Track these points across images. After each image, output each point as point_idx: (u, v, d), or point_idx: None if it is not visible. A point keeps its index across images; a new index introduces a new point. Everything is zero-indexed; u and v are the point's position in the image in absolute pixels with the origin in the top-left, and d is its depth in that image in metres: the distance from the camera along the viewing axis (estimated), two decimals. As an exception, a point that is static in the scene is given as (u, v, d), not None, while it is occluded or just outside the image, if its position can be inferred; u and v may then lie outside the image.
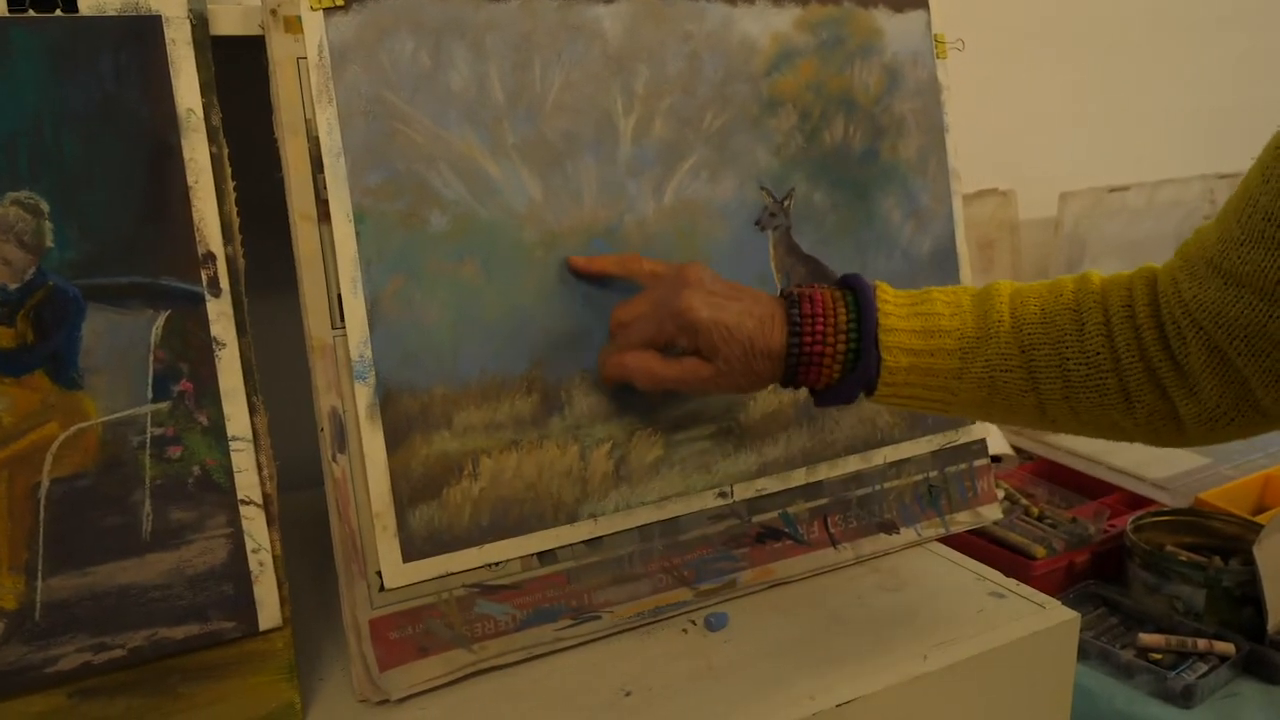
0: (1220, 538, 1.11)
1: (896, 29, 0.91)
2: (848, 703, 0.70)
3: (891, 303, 0.71)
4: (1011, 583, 0.85)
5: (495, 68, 0.74)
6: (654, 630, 0.79)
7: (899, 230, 0.91)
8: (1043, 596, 0.83)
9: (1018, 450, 1.35)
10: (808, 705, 0.69)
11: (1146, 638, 1.00)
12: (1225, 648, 0.98)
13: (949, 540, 0.94)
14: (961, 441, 0.95)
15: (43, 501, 0.62)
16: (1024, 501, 1.17)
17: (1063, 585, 1.09)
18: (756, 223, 0.84)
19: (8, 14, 0.61)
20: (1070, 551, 1.09)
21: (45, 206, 0.62)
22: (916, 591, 0.84)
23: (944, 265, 0.94)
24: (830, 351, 0.71)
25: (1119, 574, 1.10)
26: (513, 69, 0.74)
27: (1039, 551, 1.07)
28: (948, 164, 0.94)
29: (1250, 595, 1.01)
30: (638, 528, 0.79)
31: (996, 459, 1.33)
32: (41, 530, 0.62)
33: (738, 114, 0.83)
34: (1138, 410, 0.67)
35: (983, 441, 0.96)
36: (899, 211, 0.91)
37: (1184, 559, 1.06)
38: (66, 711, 0.63)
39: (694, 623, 0.80)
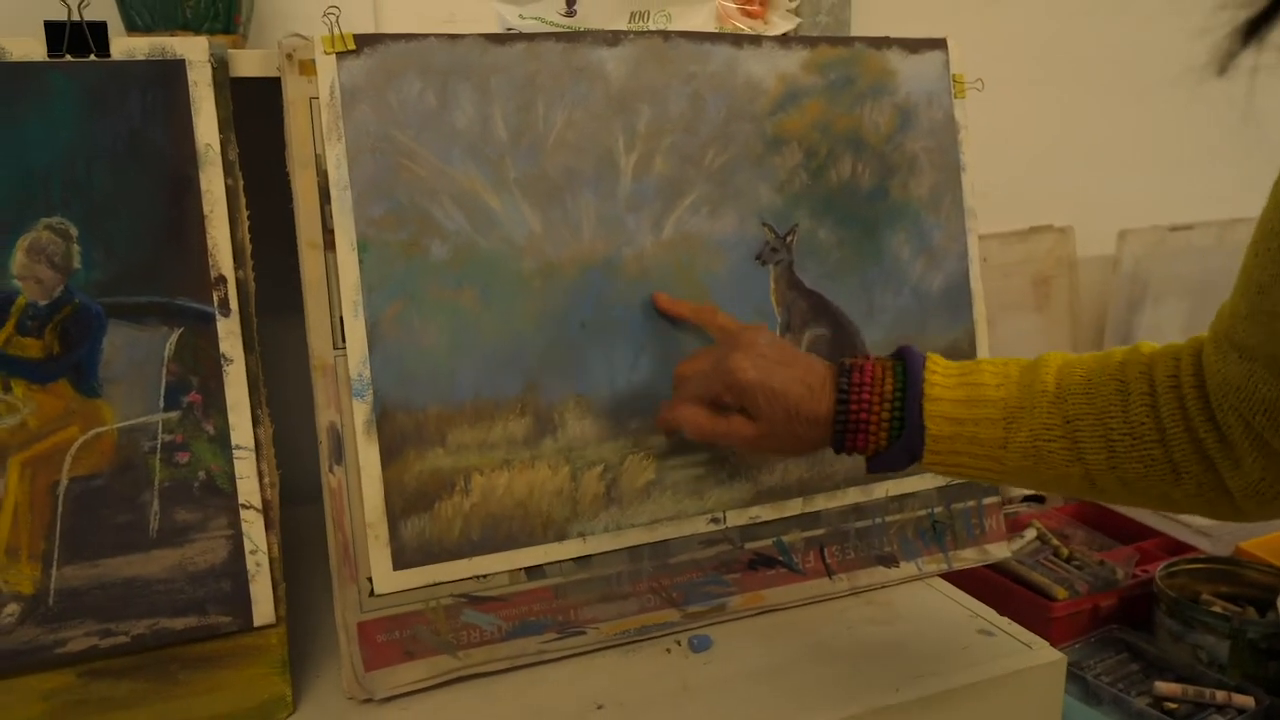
0: (1257, 588, 1.08)
1: (910, 70, 0.92)
2: (809, 729, 0.71)
3: (940, 373, 0.71)
4: (1004, 621, 0.85)
5: (499, 107, 0.78)
6: (638, 649, 0.82)
7: (909, 267, 0.92)
8: (1030, 636, 0.83)
9: (1063, 490, 1.33)
10: (768, 728, 0.71)
11: (1163, 686, 0.98)
12: (1245, 701, 0.96)
13: (969, 575, 0.94)
14: (970, 478, 0.95)
15: (61, 498, 0.68)
16: (1054, 542, 1.16)
17: (1086, 628, 1.07)
18: (757, 257, 0.86)
19: (47, 59, 0.68)
20: (1095, 595, 1.07)
21: (75, 231, 0.69)
22: (906, 625, 0.85)
23: (956, 303, 0.95)
24: (875, 419, 0.72)
25: (1148, 620, 1.08)
26: (517, 109, 0.79)
27: (1060, 593, 1.06)
28: (963, 203, 0.95)
29: (1277, 649, 0.98)
30: (627, 548, 0.82)
31: (1039, 499, 1.32)
32: (58, 524, 0.68)
33: (740, 152, 0.86)
34: (1186, 482, 0.65)
35: (993, 479, 0.96)
36: (909, 249, 0.92)
37: (1214, 609, 1.04)
38: (75, 690, 0.69)
39: (678, 643, 0.82)
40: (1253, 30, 0.35)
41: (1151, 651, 1.04)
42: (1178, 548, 1.18)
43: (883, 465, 0.73)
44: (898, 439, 0.72)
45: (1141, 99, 1.48)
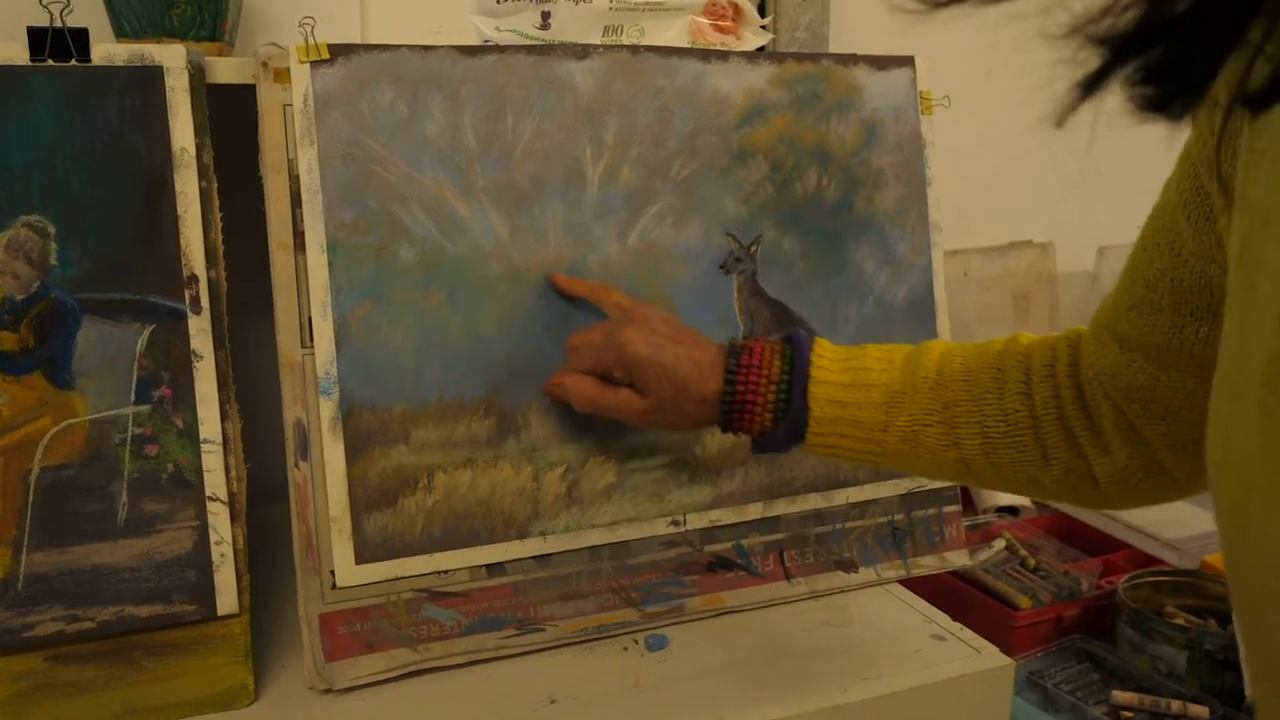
0: (1219, 600, 1.09)
1: (878, 86, 0.95)
2: (754, 726, 0.73)
3: (826, 357, 0.74)
4: (956, 627, 0.87)
5: (469, 117, 0.81)
6: (596, 646, 0.84)
7: (873, 278, 0.94)
8: (981, 641, 0.84)
9: (1037, 503, 1.35)
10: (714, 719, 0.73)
11: (1120, 695, 0.99)
12: (1200, 711, 0.97)
13: (936, 583, 0.96)
14: (932, 487, 0.96)
15: (32, 486, 0.71)
16: (1022, 553, 1.17)
17: (1049, 638, 1.09)
18: (721, 266, 0.89)
19: (30, 62, 0.71)
20: (1058, 605, 1.09)
21: (52, 229, 0.71)
22: (861, 628, 0.87)
23: (920, 314, 0.96)
24: (761, 400, 0.74)
25: (1111, 631, 1.10)
26: (486, 118, 0.81)
27: (1023, 602, 1.08)
28: (928, 217, 0.97)
29: (1233, 660, 0.99)
30: (587, 548, 0.84)
31: (1014, 510, 1.33)
32: (29, 511, 0.70)
33: (706, 164, 0.88)
34: (1054, 467, 0.68)
35: (954, 489, 0.98)
36: (873, 260, 0.94)
37: (1176, 621, 1.05)
38: (42, 674, 0.71)
39: (636, 642, 0.84)
40: (1089, 88, 0.38)
41: (1113, 661, 1.05)
42: (1145, 560, 1.19)
43: (767, 446, 0.75)
44: (783, 420, 0.74)
45: (1118, 118, 1.49)
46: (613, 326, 0.78)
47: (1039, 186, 1.46)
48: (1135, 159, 1.52)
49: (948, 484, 0.97)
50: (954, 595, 1.08)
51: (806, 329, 0.91)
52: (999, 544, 1.19)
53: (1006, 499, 1.33)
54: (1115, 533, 1.25)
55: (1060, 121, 0.39)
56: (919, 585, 0.96)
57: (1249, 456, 0.43)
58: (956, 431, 0.70)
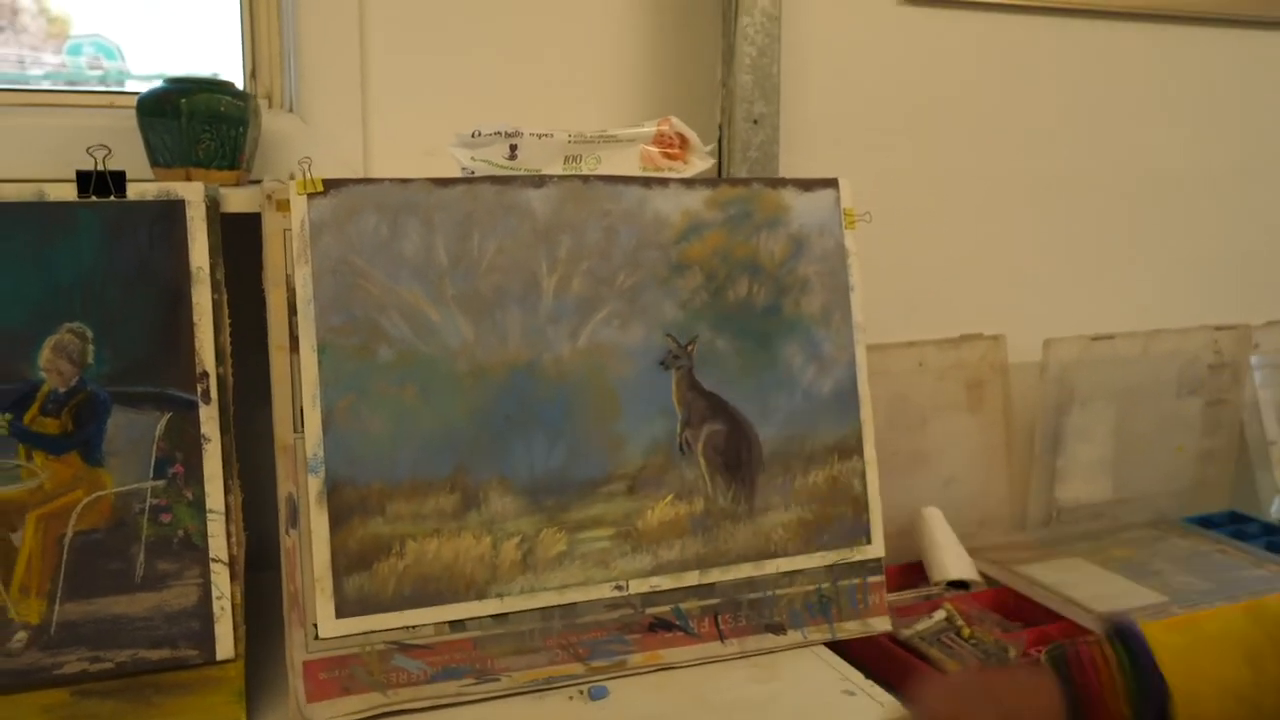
0: (1136, 669, 1.18)
1: (804, 205, 1.09)
2: (669, 763, 0.85)
3: (1154, 625, 0.74)
4: (868, 684, 0.98)
5: (441, 238, 0.96)
6: (545, 695, 0.96)
7: (800, 373, 1.07)
8: (887, 696, 0.95)
9: (987, 578, 1.45)
10: (635, 761, 0.85)
11: (1032, 753, 1.09)
12: (1103, 768, 1.06)
13: (871, 646, 1.07)
14: (857, 559, 1.08)
15: (66, 547, 0.85)
16: (959, 623, 1.27)
17: (977, 701, 1.18)
18: (661, 363, 1.02)
19: (77, 199, 0.87)
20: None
21: (90, 334, 0.86)
22: (783, 685, 0.98)
23: (845, 404, 1.09)
24: (1109, 691, 0.72)
25: (1036, 695, 1.19)
26: (456, 239, 0.96)
27: (951, 667, 1.18)
28: (852, 318, 1.10)
29: (1138, 722, 1.09)
30: (540, 609, 0.97)
31: (964, 585, 1.43)
32: (63, 568, 0.85)
33: (648, 275, 1.02)
34: None
35: (878, 561, 1.10)
36: (801, 357, 1.07)
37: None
38: (68, 707, 0.85)
39: (581, 692, 0.96)
40: None
41: (1032, 723, 1.15)
42: (1077, 631, 1.29)
43: None
44: (1141, 705, 0.71)
45: (1069, 218, 1.63)
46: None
47: (990, 283, 1.58)
48: (1077, 258, 1.65)
49: (873, 556, 1.09)
50: (889, 659, 1.19)
51: (739, 418, 1.04)
52: (940, 614, 1.29)
53: (958, 572, 1.43)
54: (1053, 605, 1.35)
55: None
56: (858, 645, 1.07)
57: None
58: None
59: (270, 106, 1.23)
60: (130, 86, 1.27)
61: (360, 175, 1.22)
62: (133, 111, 1.05)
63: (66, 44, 1.27)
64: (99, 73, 1.30)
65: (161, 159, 1.04)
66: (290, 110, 1.22)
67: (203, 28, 1.28)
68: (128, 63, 1.32)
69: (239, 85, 1.21)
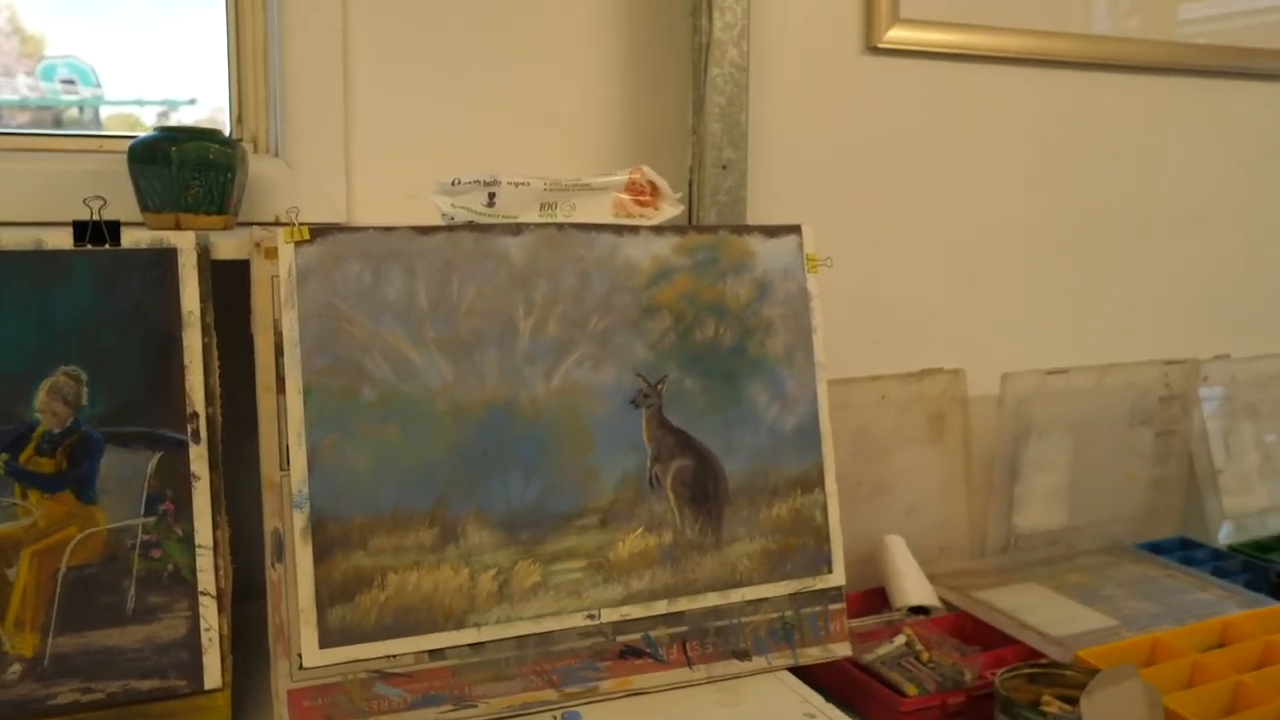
0: (1079, 688, 1.24)
1: (768, 250, 1.14)
2: (639, 785, 0.89)
3: None
4: (829, 708, 1.03)
5: (423, 283, 1.00)
6: (520, 720, 1.00)
7: (765, 411, 1.13)
8: (846, 718, 1.00)
9: (947, 604, 1.50)
10: (606, 784, 0.89)
11: (987, 773, 1.14)
12: (1053, 787, 1.12)
13: (833, 670, 1.12)
14: (818, 588, 1.13)
15: (59, 582, 0.88)
16: (918, 647, 1.33)
17: (935, 722, 1.24)
18: (631, 401, 1.07)
19: (73, 247, 0.91)
20: (943, 693, 1.24)
21: (85, 376, 0.90)
22: (746, 708, 1.03)
23: (807, 440, 1.14)
24: None
25: (990, 716, 1.24)
26: (436, 284, 1.01)
27: (911, 690, 1.23)
28: (814, 357, 1.15)
29: (1086, 743, 1.14)
30: (515, 637, 1.01)
31: (925, 610, 1.49)
32: (56, 602, 0.88)
33: (619, 318, 1.07)
34: None
35: (839, 589, 1.15)
36: (765, 395, 1.13)
37: (1048, 708, 1.20)
38: (61, 736, 0.88)
39: (555, 718, 1.00)
40: None
41: (988, 744, 1.20)
42: (1031, 654, 1.34)
43: None
44: None
45: (1026, 258, 1.69)
46: None
47: (950, 320, 1.65)
48: (1034, 296, 1.72)
49: (834, 584, 1.14)
50: (851, 683, 1.24)
51: (706, 453, 1.09)
52: (900, 639, 1.34)
53: (918, 598, 1.48)
54: (1010, 630, 1.40)
55: None
56: (821, 669, 1.12)
57: None
58: None
59: (256, 151, 1.27)
60: (105, 112, 1.32)
61: (343, 218, 1.27)
62: (120, 156, 1.09)
63: (40, 65, 1.30)
64: (74, 97, 1.33)
65: (151, 204, 1.08)
66: (276, 155, 1.27)
67: (183, 52, 1.32)
68: (103, 87, 1.35)
69: (225, 128, 1.25)
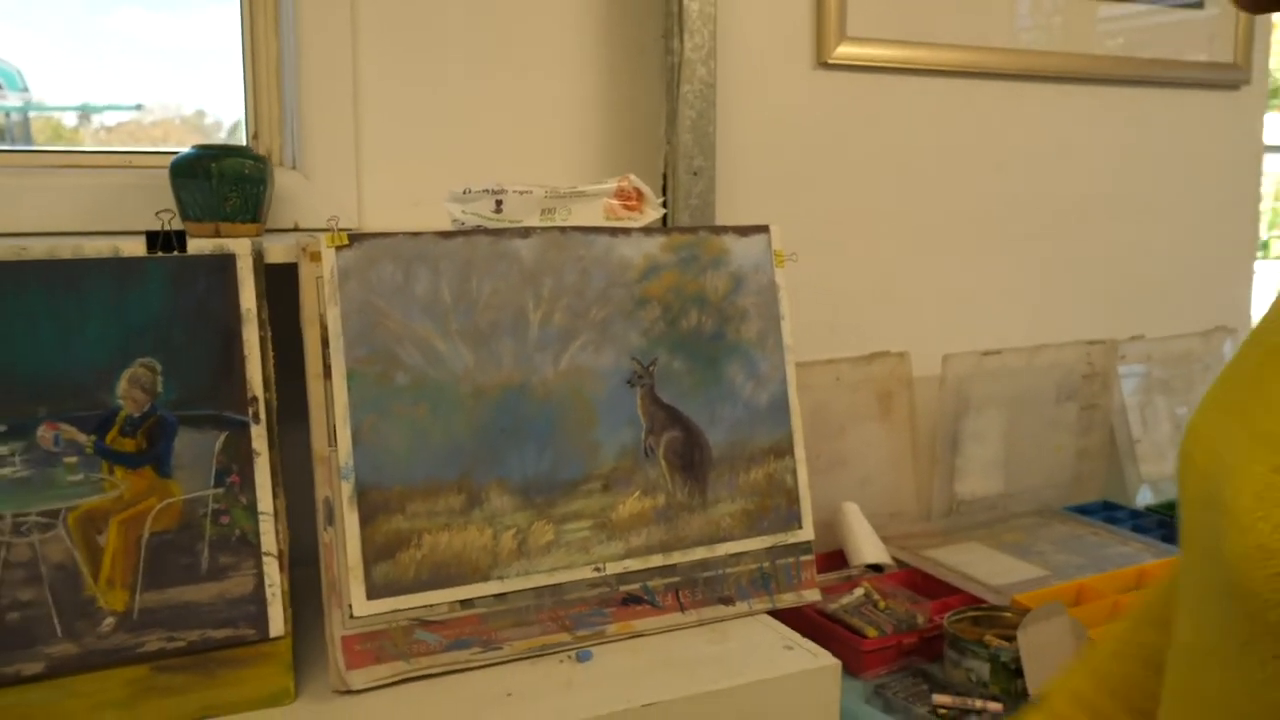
0: (1014, 627, 1.42)
1: (741, 248, 1.30)
2: (650, 705, 1.05)
3: None
4: (805, 642, 1.19)
5: (446, 281, 1.15)
6: (540, 660, 1.15)
7: (741, 388, 1.29)
8: (818, 649, 1.16)
9: (899, 561, 1.68)
10: (623, 702, 1.04)
11: (939, 697, 1.31)
12: (996, 706, 1.29)
13: (804, 617, 1.28)
14: (791, 542, 1.30)
15: (143, 546, 1.01)
16: (875, 597, 1.50)
17: (893, 660, 1.40)
18: (628, 381, 1.22)
19: (146, 254, 1.04)
20: (899, 634, 1.41)
21: (159, 367, 1.03)
22: (732, 644, 1.19)
23: (778, 414, 1.31)
24: None
25: (940, 653, 1.42)
26: (458, 282, 1.15)
27: (871, 632, 1.40)
28: (783, 341, 1.32)
29: (1022, 668, 1.32)
30: (533, 588, 1.16)
31: (879, 568, 1.66)
32: (141, 564, 1.01)
33: (616, 309, 1.22)
34: None
35: (809, 543, 1.31)
36: (742, 375, 1.29)
37: (987, 643, 1.38)
38: (148, 679, 1.01)
39: (570, 656, 1.15)
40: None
41: (938, 675, 1.38)
42: (974, 601, 1.52)
43: None
44: None
45: (964, 250, 1.88)
46: None
47: (896, 307, 1.82)
48: (971, 285, 1.90)
49: (805, 539, 1.31)
50: (818, 628, 1.40)
51: (692, 426, 1.25)
52: (859, 591, 1.52)
53: (874, 557, 1.66)
54: (954, 582, 1.58)
55: None
56: (792, 619, 1.28)
57: None
58: None
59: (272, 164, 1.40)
60: (33, 117, 1.43)
61: (355, 225, 1.41)
62: (147, 170, 1.23)
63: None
64: (10, 104, 1.43)
65: (192, 214, 1.21)
66: (293, 168, 1.40)
67: (187, 65, 1.45)
68: (31, 92, 1.45)
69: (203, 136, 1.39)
